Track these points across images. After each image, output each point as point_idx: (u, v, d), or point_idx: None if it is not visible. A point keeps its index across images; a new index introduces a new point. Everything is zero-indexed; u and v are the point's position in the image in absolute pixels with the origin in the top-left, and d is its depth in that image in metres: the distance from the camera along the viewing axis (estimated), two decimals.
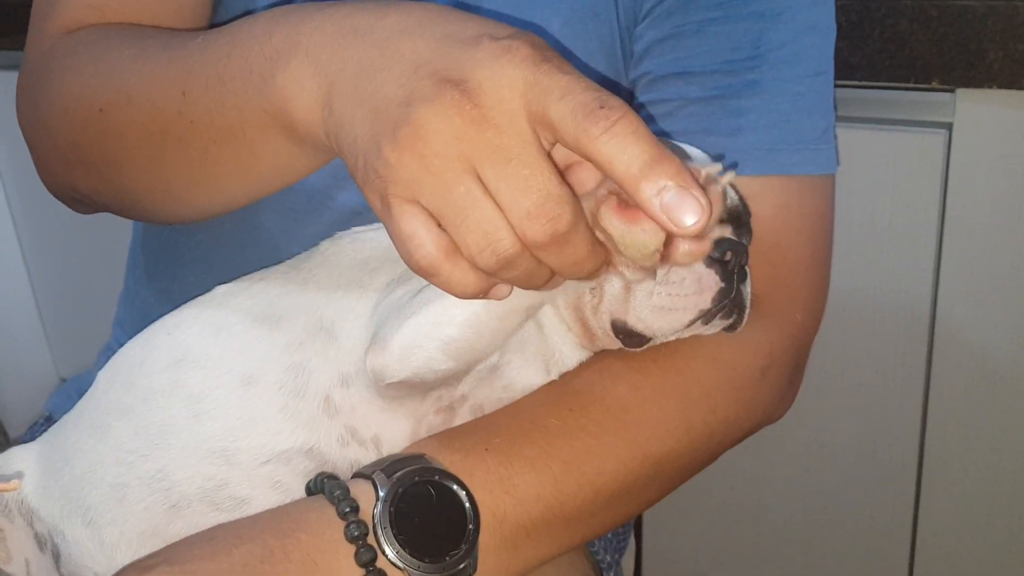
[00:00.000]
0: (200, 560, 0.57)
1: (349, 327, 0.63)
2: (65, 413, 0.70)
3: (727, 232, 0.68)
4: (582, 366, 0.69)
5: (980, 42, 0.87)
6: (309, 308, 0.65)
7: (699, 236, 0.46)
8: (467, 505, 0.59)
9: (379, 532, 0.58)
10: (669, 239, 0.48)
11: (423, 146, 0.47)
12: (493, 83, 0.46)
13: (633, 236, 0.48)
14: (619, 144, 0.45)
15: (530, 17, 0.76)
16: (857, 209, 0.99)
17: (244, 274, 0.70)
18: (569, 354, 0.69)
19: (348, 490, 0.59)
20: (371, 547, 0.57)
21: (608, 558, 0.93)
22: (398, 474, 0.59)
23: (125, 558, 0.61)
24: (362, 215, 0.77)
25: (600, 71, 0.78)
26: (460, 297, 0.51)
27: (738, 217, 0.70)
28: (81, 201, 0.78)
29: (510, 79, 0.46)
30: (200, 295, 0.69)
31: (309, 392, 0.62)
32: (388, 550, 0.57)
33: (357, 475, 0.61)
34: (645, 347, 0.67)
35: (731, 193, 0.70)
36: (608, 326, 0.66)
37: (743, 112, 0.75)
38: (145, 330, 0.69)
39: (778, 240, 0.75)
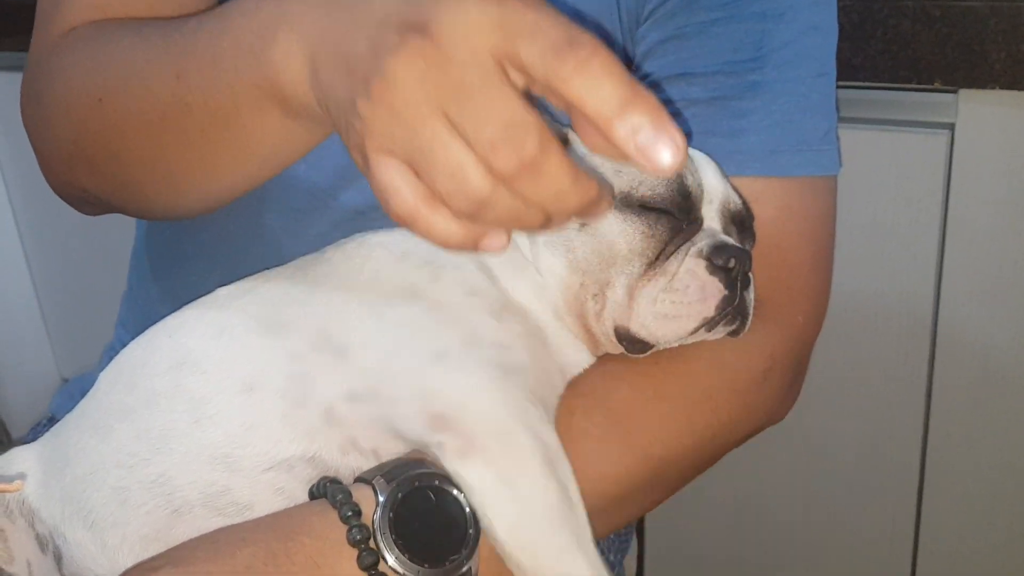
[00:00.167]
0: (204, 562, 0.57)
1: (365, 352, 0.63)
2: (68, 414, 0.70)
3: (731, 237, 0.68)
4: (585, 370, 0.69)
5: (983, 43, 0.87)
6: (316, 320, 0.64)
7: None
8: (467, 509, 0.59)
9: (379, 538, 0.58)
10: None
11: (392, 95, 0.47)
12: (455, 23, 0.46)
13: None
14: (591, 83, 0.44)
15: None
16: (859, 210, 0.99)
17: (247, 274, 0.70)
18: (580, 361, 0.69)
19: (350, 494, 0.59)
20: (373, 551, 0.57)
21: (611, 558, 0.93)
22: (398, 479, 0.59)
23: (127, 561, 0.61)
24: (365, 215, 0.77)
25: None
26: (446, 247, 0.50)
27: (741, 221, 0.70)
28: (86, 201, 0.78)
29: (474, 17, 0.46)
30: (203, 295, 0.69)
31: (311, 402, 0.62)
32: (388, 556, 0.57)
33: (359, 480, 0.61)
34: (648, 353, 0.67)
35: (734, 197, 0.70)
36: (611, 332, 0.66)
37: (745, 113, 0.75)
38: (147, 331, 0.69)
39: (780, 241, 0.75)
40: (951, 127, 0.94)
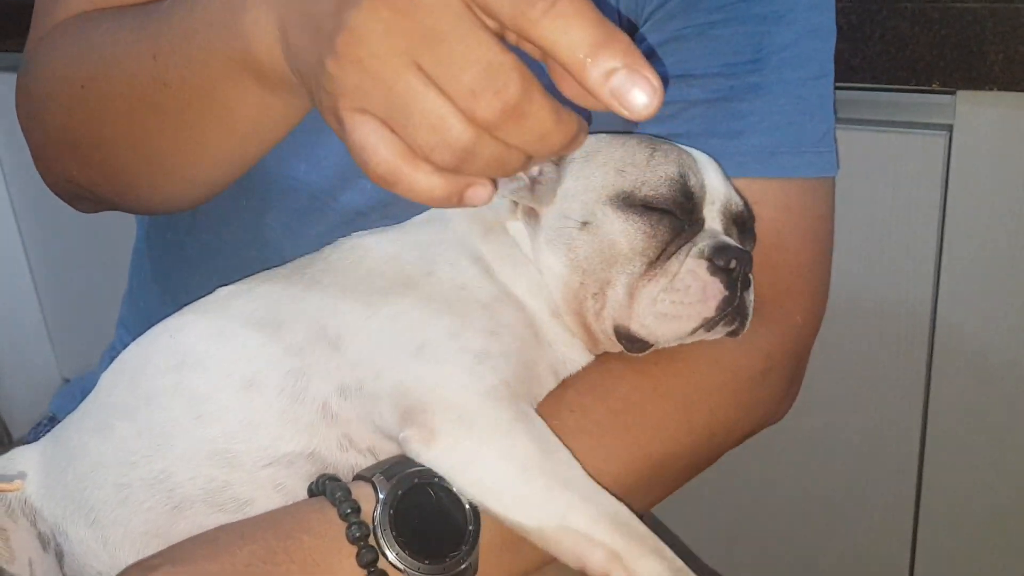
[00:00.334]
0: (203, 560, 0.57)
1: (357, 345, 0.63)
2: (69, 414, 0.70)
3: (732, 238, 0.69)
4: (584, 368, 0.69)
5: (981, 44, 0.87)
6: (311, 315, 0.65)
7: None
8: (467, 506, 0.60)
9: (379, 534, 0.58)
10: None
11: (358, 49, 0.45)
12: None
13: None
14: (561, 26, 0.42)
15: None
16: (858, 211, 0.99)
17: (248, 274, 0.71)
18: (576, 359, 0.69)
19: (349, 492, 0.59)
20: (372, 548, 0.58)
21: None
22: (398, 476, 0.59)
23: (128, 558, 0.62)
24: (365, 216, 0.78)
25: None
26: (431, 203, 0.48)
27: (742, 223, 0.70)
28: (80, 196, 0.78)
29: None
30: (204, 295, 0.70)
31: (307, 397, 0.63)
32: (388, 552, 0.57)
33: (358, 477, 0.61)
34: (647, 352, 0.67)
35: (736, 198, 0.70)
36: (611, 331, 0.66)
37: (744, 115, 0.75)
38: (148, 332, 0.69)
39: (779, 242, 0.75)
40: (949, 128, 0.94)
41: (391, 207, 0.75)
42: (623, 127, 0.74)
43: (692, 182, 0.67)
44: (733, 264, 0.65)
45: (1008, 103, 0.90)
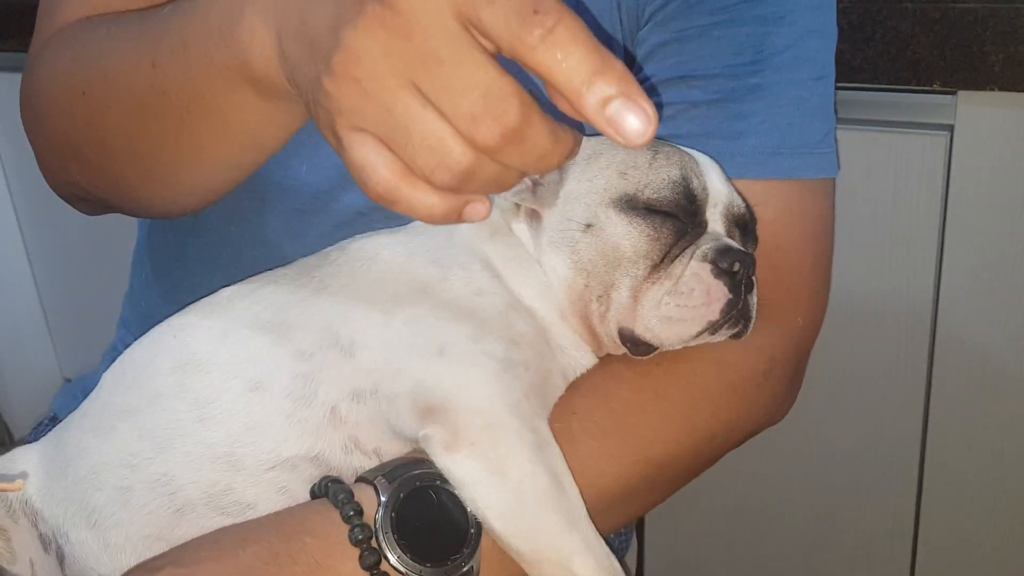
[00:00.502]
0: (206, 562, 0.57)
1: (372, 352, 0.63)
2: (71, 414, 0.70)
3: (734, 240, 0.69)
4: (587, 371, 0.69)
5: (981, 44, 0.87)
6: (322, 320, 0.65)
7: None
8: (469, 508, 0.60)
9: (381, 537, 0.58)
10: None
11: (356, 69, 0.45)
12: None
13: None
14: (558, 53, 0.42)
15: None
16: (859, 211, 0.99)
17: (249, 275, 0.70)
18: (583, 362, 0.69)
19: (352, 494, 0.59)
20: (375, 550, 0.58)
21: None
22: (400, 479, 0.59)
23: (130, 561, 0.62)
24: (367, 216, 0.78)
25: None
26: (429, 221, 0.48)
27: (744, 225, 0.70)
28: (81, 198, 0.78)
29: None
30: (205, 296, 0.70)
31: (316, 402, 0.62)
32: (390, 555, 0.57)
33: (360, 479, 0.61)
34: (652, 355, 0.67)
35: (738, 200, 0.70)
36: (615, 334, 0.66)
37: (745, 116, 0.75)
38: (151, 331, 0.69)
39: (780, 243, 0.75)
40: (950, 128, 0.94)
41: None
42: None
43: (694, 184, 0.67)
44: (737, 267, 0.65)
45: (1009, 103, 0.90)
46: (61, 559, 0.65)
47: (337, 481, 0.61)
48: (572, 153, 0.48)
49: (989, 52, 0.87)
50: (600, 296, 0.66)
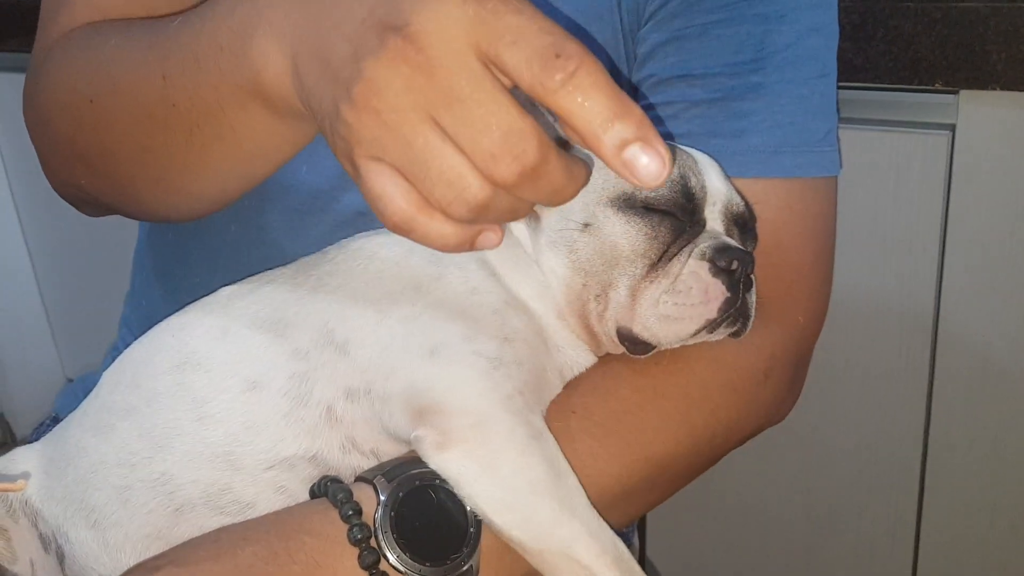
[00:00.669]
0: (206, 561, 0.57)
1: (366, 350, 0.63)
2: (71, 413, 0.70)
3: (733, 238, 0.69)
4: (586, 370, 0.69)
5: (983, 44, 0.87)
6: (318, 318, 0.65)
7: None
8: (468, 508, 0.60)
9: (380, 536, 0.58)
10: None
11: (377, 101, 0.46)
12: (435, 24, 0.45)
13: None
14: (579, 98, 0.43)
15: None
16: (860, 210, 0.99)
17: (250, 274, 0.70)
18: (581, 361, 0.69)
19: (351, 493, 0.59)
20: (374, 549, 0.58)
21: None
22: (399, 478, 0.59)
23: (130, 560, 0.62)
24: (367, 216, 0.78)
25: None
26: (443, 250, 0.49)
27: (743, 223, 0.70)
28: (85, 201, 0.78)
29: (453, 18, 0.45)
30: (206, 295, 0.70)
31: (312, 401, 0.62)
32: (390, 555, 0.57)
33: (359, 479, 0.61)
34: (650, 354, 0.67)
35: (736, 198, 0.70)
36: (614, 333, 0.66)
37: (747, 114, 0.75)
38: (151, 331, 0.69)
39: (781, 242, 0.75)
40: (952, 128, 0.94)
41: None
42: None
43: (693, 183, 0.67)
44: (735, 265, 0.65)
45: (1011, 103, 0.90)
46: (61, 559, 0.65)
47: (336, 480, 0.61)
48: (584, 185, 0.49)
49: (991, 51, 0.87)
50: (598, 295, 0.66)
